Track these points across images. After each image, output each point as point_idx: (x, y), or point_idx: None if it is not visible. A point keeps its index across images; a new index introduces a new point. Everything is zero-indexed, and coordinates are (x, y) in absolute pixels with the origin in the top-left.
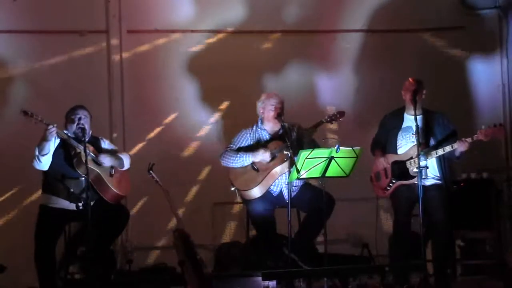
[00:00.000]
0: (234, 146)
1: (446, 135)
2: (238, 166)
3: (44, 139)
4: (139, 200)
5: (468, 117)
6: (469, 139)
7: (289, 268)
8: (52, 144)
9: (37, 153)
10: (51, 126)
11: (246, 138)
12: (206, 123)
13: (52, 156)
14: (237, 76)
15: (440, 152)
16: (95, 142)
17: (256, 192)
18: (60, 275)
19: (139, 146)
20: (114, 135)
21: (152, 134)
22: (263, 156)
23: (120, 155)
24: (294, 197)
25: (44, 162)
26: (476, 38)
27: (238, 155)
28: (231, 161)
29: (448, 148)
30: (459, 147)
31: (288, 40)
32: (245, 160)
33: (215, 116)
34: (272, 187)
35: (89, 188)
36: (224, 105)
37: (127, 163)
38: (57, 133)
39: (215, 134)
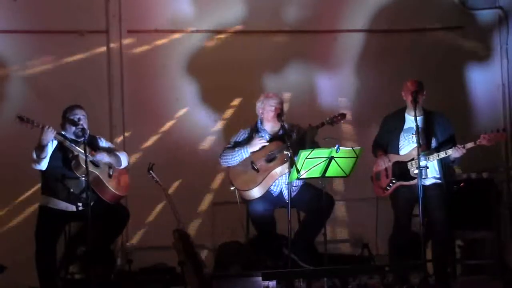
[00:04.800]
0: (231, 145)
1: (444, 139)
2: (238, 161)
3: (41, 142)
4: (140, 200)
5: (468, 117)
6: (469, 145)
7: (289, 268)
8: (50, 146)
9: (34, 156)
10: (47, 129)
11: (244, 137)
12: (206, 123)
13: (51, 158)
14: (237, 76)
15: (442, 155)
16: (92, 141)
17: (255, 192)
18: (60, 275)
19: (139, 146)
20: (114, 135)
21: (152, 134)
22: (259, 141)
23: (118, 153)
24: (294, 197)
25: (42, 164)
26: (476, 38)
27: (235, 150)
28: (230, 158)
29: (449, 152)
30: (454, 153)
31: (288, 40)
32: (243, 152)
33: (215, 116)
34: (272, 187)
35: (89, 188)
36: (224, 105)
37: (124, 161)
38: (54, 136)
39: (215, 134)
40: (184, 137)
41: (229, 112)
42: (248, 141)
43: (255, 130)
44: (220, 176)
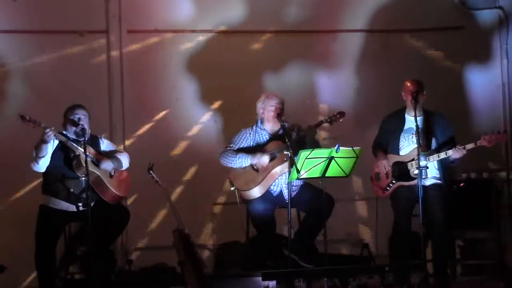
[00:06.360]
0: (234, 146)
1: (444, 140)
2: (237, 166)
3: (42, 141)
4: (139, 200)
5: (468, 117)
6: (469, 145)
7: (289, 268)
8: (50, 146)
9: (34, 155)
10: (48, 130)
11: (246, 138)
12: (206, 123)
13: (52, 158)
14: (237, 76)
15: (443, 155)
16: (94, 141)
17: (256, 192)
18: (60, 275)
19: (139, 146)
20: (114, 135)
21: (152, 134)
22: (261, 159)
23: (119, 156)
24: (294, 197)
25: (41, 164)
26: (476, 38)
27: (238, 156)
28: (230, 161)
29: (450, 153)
30: (454, 154)
31: (288, 40)
32: (244, 161)
33: (215, 116)
34: (272, 187)
35: (89, 188)
36: (224, 105)
37: (126, 163)
38: (55, 136)
39: (215, 134)
40: (184, 137)
41: (229, 112)
42: (252, 150)
43: (257, 135)
44: (220, 176)
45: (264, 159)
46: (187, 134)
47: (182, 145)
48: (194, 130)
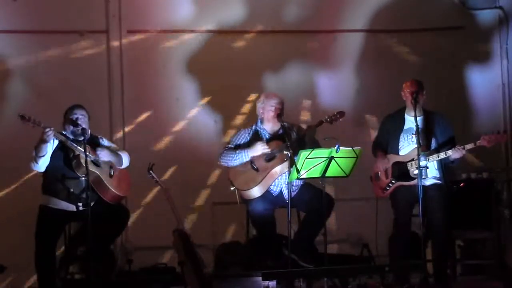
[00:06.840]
0: (232, 145)
1: (444, 140)
2: (237, 163)
3: (42, 141)
4: (139, 200)
5: (468, 117)
6: (468, 145)
7: (289, 268)
8: (50, 146)
9: (34, 154)
10: (48, 129)
11: (244, 138)
12: (206, 123)
13: (51, 158)
14: (237, 76)
15: (442, 155)
16: (94, 141)
17: (255, 192)
18: (60, 275)
19: (139, 146)
20: (114, 135)
21: (152, 134)
22: (261, 147)
23: (119, 153)
24: (294, 197)
25: (41, 164)
26: (476, 38)
27: (236, 152)
28: (230, 159)
29: (449, 153)
30: (453, 154)
31: (288, 40)
32: (244, 156)
33: (215, 116)
34: (272, 187)
35: (89, 188)
36: (224, 104)
37: (126, 161)
38: (54, 135)
39: (215, 134)
40: (184, 137)
41: (229, 112)
42: (249, 144)
43: (255, 133)
44: (220, 176)
45: (264, 148)
46: (187, 134)
47: (181, 145)
48: (194, 130)
